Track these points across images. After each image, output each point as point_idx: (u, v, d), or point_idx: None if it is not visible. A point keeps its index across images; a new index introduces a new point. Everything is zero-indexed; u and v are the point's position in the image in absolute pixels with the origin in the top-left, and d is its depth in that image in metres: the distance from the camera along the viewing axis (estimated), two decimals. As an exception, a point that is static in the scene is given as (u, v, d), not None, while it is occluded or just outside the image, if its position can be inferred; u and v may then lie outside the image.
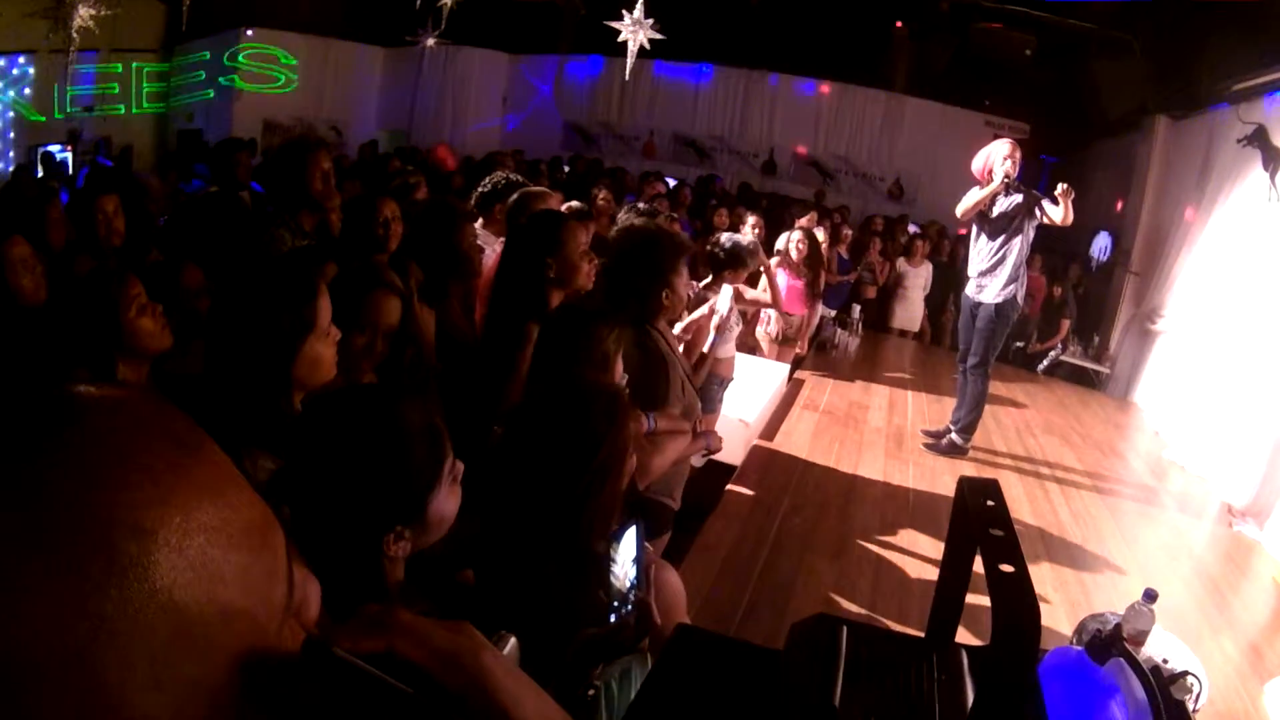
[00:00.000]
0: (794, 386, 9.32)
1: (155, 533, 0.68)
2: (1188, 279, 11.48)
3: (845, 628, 1.85)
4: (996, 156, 7.66)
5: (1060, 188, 7.37)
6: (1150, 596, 3.51)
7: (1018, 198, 7.61)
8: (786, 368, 9.22)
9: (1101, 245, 14.90)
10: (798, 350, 10.10)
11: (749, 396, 7.67)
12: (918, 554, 6.01)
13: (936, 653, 1.80)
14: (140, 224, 5.82)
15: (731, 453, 6.93)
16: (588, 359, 3.47)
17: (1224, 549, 7.47)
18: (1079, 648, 2.06)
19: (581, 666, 2.21)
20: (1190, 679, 3.37)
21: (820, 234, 10.22)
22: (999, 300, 7.80)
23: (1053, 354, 13.15)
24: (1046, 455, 8.84)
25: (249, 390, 2.66)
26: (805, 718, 1.61)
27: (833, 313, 11.89)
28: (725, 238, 6.87)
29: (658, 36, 9.70)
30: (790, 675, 1.78)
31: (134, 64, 18.37)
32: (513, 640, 1.80)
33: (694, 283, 6.44)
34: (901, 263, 13.14)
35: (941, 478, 7.61)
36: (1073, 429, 10.07)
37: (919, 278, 13.11)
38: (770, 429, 8.04)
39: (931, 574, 5.74)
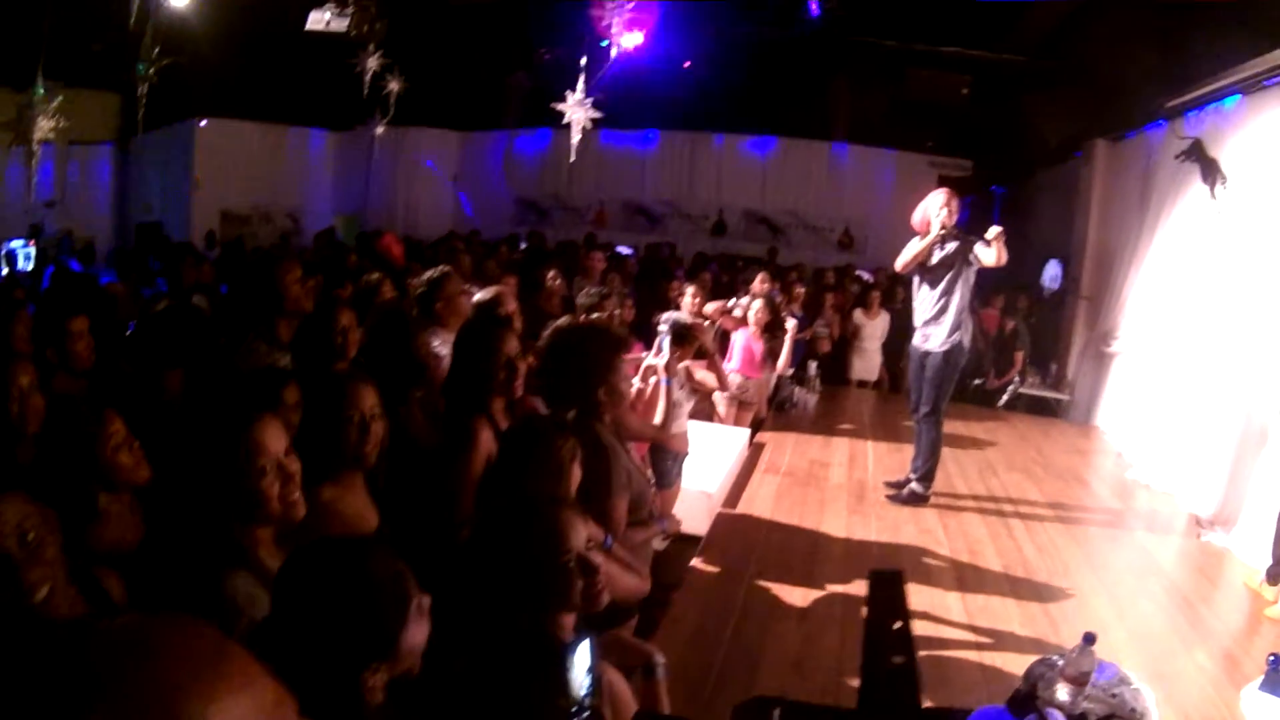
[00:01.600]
0: (755, 450, 9.37)
1: None
2: (1139, 299, 11.64)
3: (778, 708, 2.08)
4: (933, 207, 7.80)
5: (991, 231, 7.52)
6: (1089, 639, 3.64)
7: (954, 245, 7.76)
8: (746, 432, 9.25)
9: (1052, 273, 15.06)
10: (757, 412, 10.12)
11: (710, 465, 7.70)
12: None
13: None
14: (108, 337, 5.82)
15: (696, 523, 7.00)
16: (543, 471, 3.58)
17: (1194, 561, 7.61)
18: (1001, 706, 2.18)
19: None
20: (1133, 713, 3.54)
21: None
22: (945, 348, 7.92)
23: (1011, 387, 13.25)
24: (1009, 492, 8.94)
25: (208, 518, 2.76)
26: None
27: (790, 371, 11.64)
28: (665, 318, 6.90)
29: (598, 115, 9.86)
30: None
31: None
32: None
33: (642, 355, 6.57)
34: (858, 314, 13.24)
35: (904, 528, 7.68)
36: (1034, 462, 10.18)
37: (875, 329, 13.20)
38: (733, 496, 8.07)
39: None
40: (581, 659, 2.51)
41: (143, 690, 0.99)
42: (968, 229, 7.81)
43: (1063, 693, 3.67)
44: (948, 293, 7.88)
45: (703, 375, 7.36)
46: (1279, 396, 7.77)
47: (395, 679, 2.27)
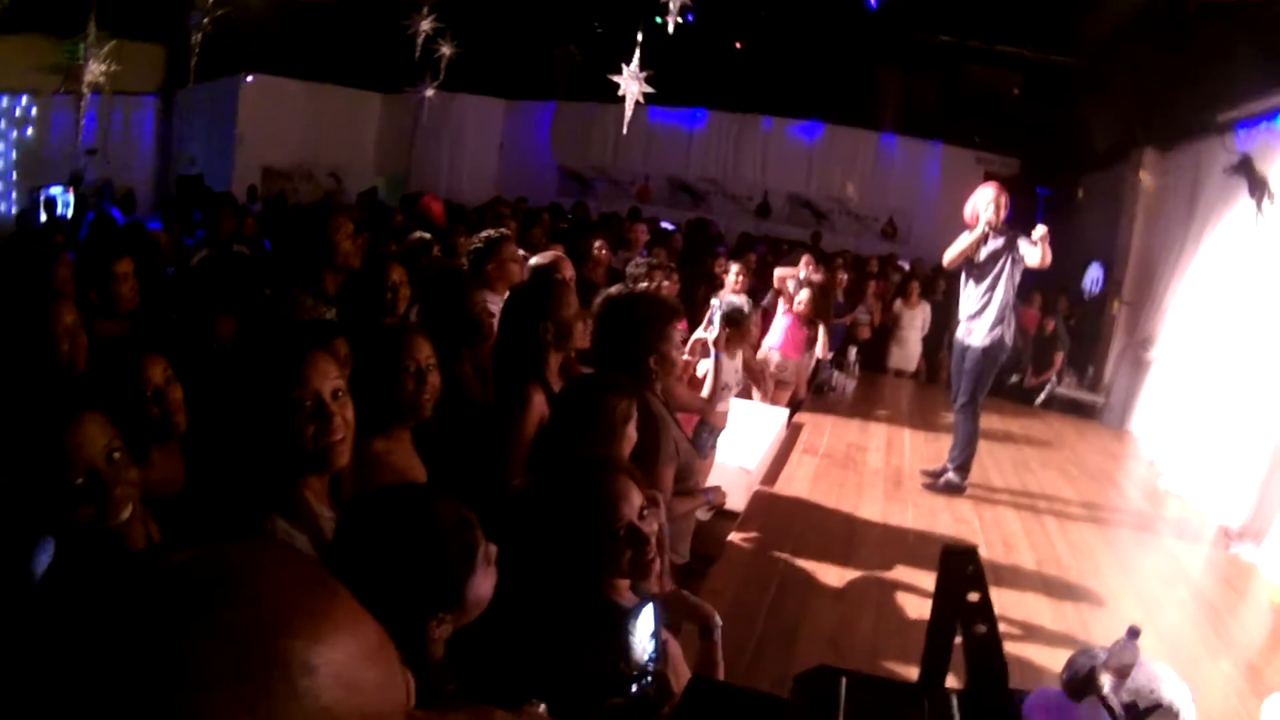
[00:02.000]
0: (793, 431, 9.38)
1: (319, 668, 0.90)
2: (1179, 307, 11.59)
3: (844, 678, 2.02)
4: (981, 202, 7.81)
5: (1037, 231, 7.53)
6: (1134, 633, 3.67)
7: (1001, 241, 7.78)
8: (784, 412, 9.26)
9: (1094, 276, 15.01)
10: (795, 393, 10.20)
11: (749, 443, 7.72)
12: (918, 591, 6.08)
13: (928, 698, 1.97)
14: (151, 282, 5.83)
15: (734, 499, 6.92)
16: (595, 431, 3.59)
17: (1221, 573, 7.57)
18: (1058, 688, 2.22)
19: None
20: (1172, 705, 3.58)
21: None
22: (986, 344, 7.95)
23: (1048, 387, 13.22)
24: (1044, 489, 8.93)
25: (258, 463, 2.72)
26: None
27: (829, 355, 11.69)
28: (722, 298, 6.95)
29: (651, 91, 9.88)
30: None
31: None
32: (542, 707, 2.07)
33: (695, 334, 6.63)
34: (898, 304, 13.28)
35: (940, 516, 7.71)
36: (1069, 461, 10.17)
37: (915, 319, 13.25)
38: (771, 474, 8.11)
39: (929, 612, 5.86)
40: (645, 624, 2.51)
41: (238, 629, 0.87)
42: (1013, 227, 7.81)
43: (1105, 684, 3.72)
44: (991, 289, 7.89)
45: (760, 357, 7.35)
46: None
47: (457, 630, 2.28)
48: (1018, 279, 7.88)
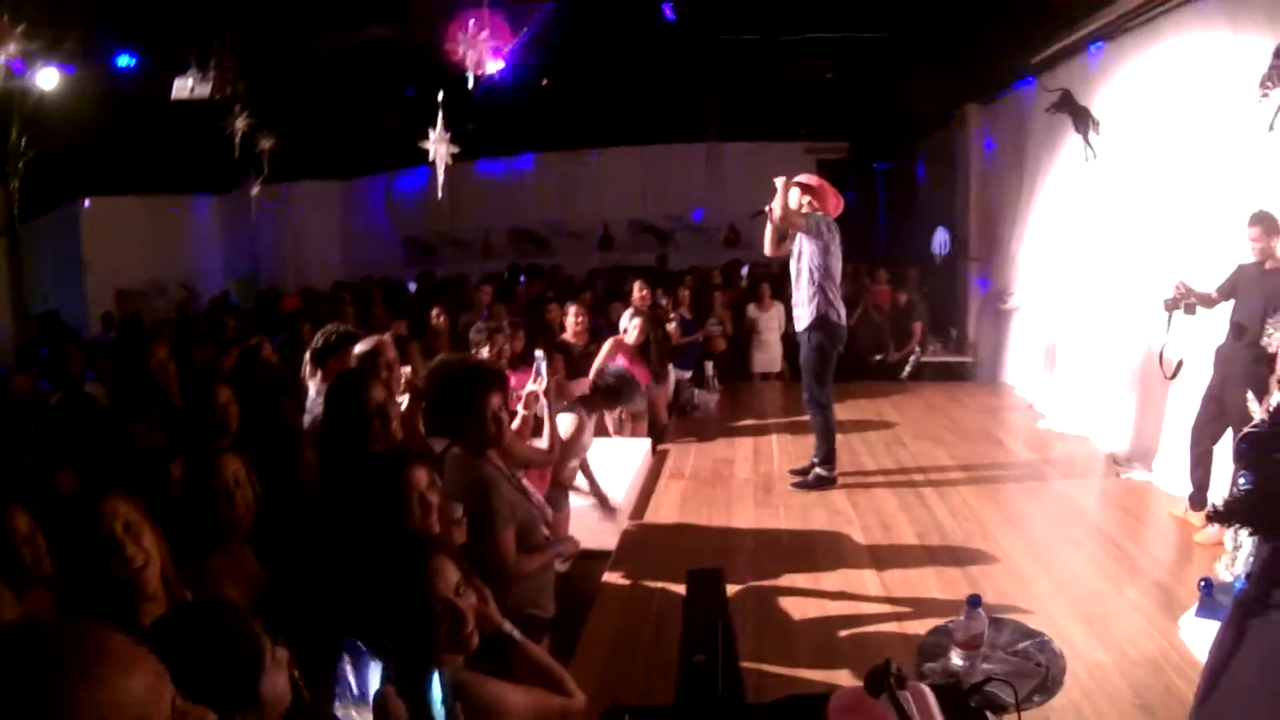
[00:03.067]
0: (658, 459, 9.25)
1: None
2: (1028, 253, 11.76)
3: (627, 715, 2.21)
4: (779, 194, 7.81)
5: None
6: (974, 602, 3.57)
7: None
8: (645, 443, 9.16)
9: (940, 240, 15.14)
10: (658, 420, 10.16)
11: (613, 479, 7.53)
12: (797, 591, 6.02)
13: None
14: (11, 432, 5.96)
15: (604, 538, 6.97)
16: (406, 505, 3.58)
17: (1116, 500, 7.59)
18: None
19: None
20: (1029, 662, 3.58)
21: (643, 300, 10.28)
22: (808, 326, 7.94)
23: (913, 358, 13.25)
24: (918, 461, 8.88)
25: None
26: None
27: (687, 374, 11.84)
28: (610, 371, 7.01)
29: (456, 150, 9.70)
30: None
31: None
32: None
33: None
34: (752, 308, 13.21)
35: (814, 513, 7.57)
36: (943, 427, 10.15)
37: (772, 320, 13.13)
38: (639, 507, 7.94)
39: (814, 609, 5.79)
40: (434, 692, 2.54)
41: (36, 689, 1.29)
42: (856, 208, 7.84)
43: (957, 659, 3.54)
44: (798, 273, 7.97)
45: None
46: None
47: None
48: (817, 258, 7.82)
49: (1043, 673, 3.56)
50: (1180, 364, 7.26)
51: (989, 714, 2.23)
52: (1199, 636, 4.83)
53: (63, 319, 17.25)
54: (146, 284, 19.12)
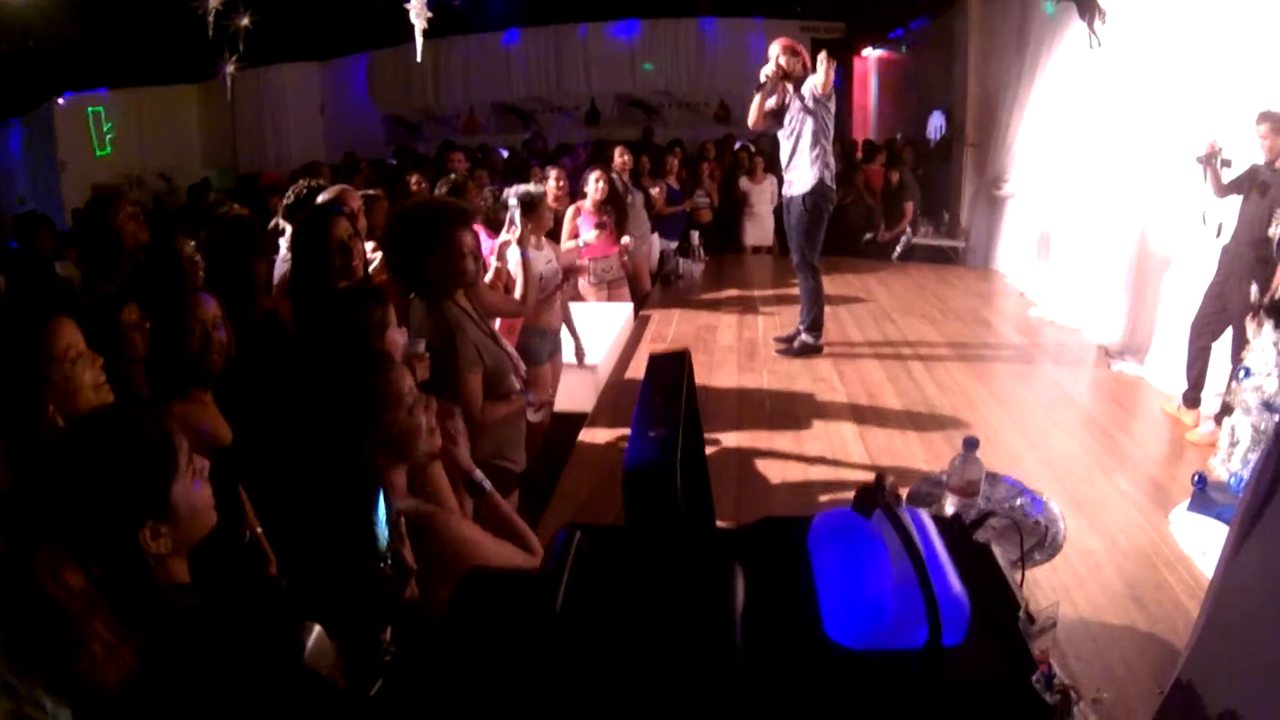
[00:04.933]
0: (640, 324, 9.14)
1: None
2: (1025, 141, 11.54)
3: (579, 532, 1.84)
4: (770, 58, 7.79)
5: (820, 55, 7.53)
6: (970, 444, 3.32)
7: (792, 89, 7.73)
8: (628, 307, 9.02)
9: (936, 124, 15.02)
10: (641, 288, 10.06)
11: (592, 342, 7.50)
12: (778, 454, 5.93)
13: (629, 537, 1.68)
14: None
15: (583, 400, 6.98)
16: (362, 339, 3.59)
17: (1107, 391, 7.42)
18: (846, 508, 1.82)
19: (370, 635, 2.33)
20: (1026, 518, 3.38)
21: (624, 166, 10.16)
22: (803, 190, 7.80)
23: (904, 239, 13.17)
24: (906, 336, 8.73)
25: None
26: (530, 630, 1.64)
27: (673, 244, 11.84)
28: (510, 191, 6.64)
29: (430, 15, 9.40)
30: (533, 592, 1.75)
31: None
32: (317, 628, 2.11)
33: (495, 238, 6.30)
34: (744, 181, 13.18)
35: (798, 379, 7.47)
36: (932, 306, 10.00)
37: (764, 194, 13.09)
38: (619, 370, 7.86)
39: (795, 471, 5.72)
40: (379, 509, 2.52)
41: None
42: (850, 90, 7.70)
43: (951, 506, 3.33)
44: (795, 137, 7.81)
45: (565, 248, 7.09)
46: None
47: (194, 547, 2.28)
48: (822, 121, 7.72)
49: (1042, 531, 3.36)
50: (1221, 225, 6.96)
51: (995, 550, 1.96)
52: (1190, 532, 4.75)
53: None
54: (123, 178, 18.67)
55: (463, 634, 1.87)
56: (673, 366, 1.75)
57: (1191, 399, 6.59)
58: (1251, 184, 6.38)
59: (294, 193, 6.35)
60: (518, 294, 5.74)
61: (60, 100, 18.36)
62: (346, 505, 2.53)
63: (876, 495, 1.64)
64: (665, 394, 1.64)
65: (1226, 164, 6.65)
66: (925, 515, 1.98)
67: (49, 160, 18.43)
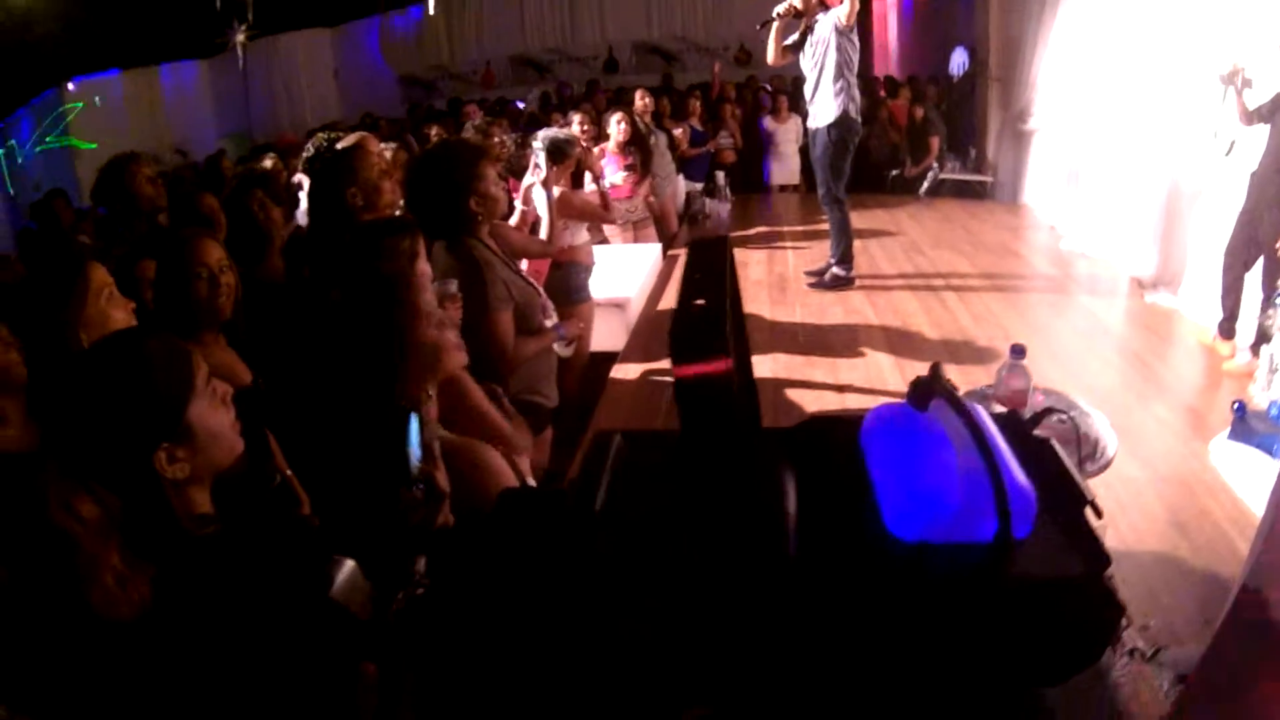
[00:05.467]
0: (668, 264, 9.10)
1: None
2: (1049, 74, 11.44)
3: (619, 436, 1.72)
4: None
5: None
6: (1018, 352, 3.23)
7: (815, 22, 7.74)
8: (656, 247, 9.03)
9: (959, 60, 14.93)
10: (668, 228, 10.10)
11: (621, 281, 7.54)
12: (815, 385, 5.93)
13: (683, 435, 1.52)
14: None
15: (614, 338, 6.98)
16: (384, 268, 3.41)
17: (1142, 321, 7.38)
18: (900, 402, 1.71)
19: (401, 564, 2.25)
20: (1076, 424, 3.27)
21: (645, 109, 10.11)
22: (829, 121, 7.79)
23: (931, 174, 13.10)
24: (938, 268, 8.69)
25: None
26: (569, 531, 1.56)
27: (698, 185, 11.78)
28: (540, 134, 6.59)
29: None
30: (569, 498, 1.64)
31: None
32: (350, 563, 2.01)
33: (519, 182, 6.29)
34: (769, 120, 13.23)
35: (830, 310, 7.48)
36: (963, 239, 9.94)
37: (789, 132, 13.12)
38: (649, 308, 7.87)
39: (832, 400, 5.70)
40: (411, 432, 2.46)
41: None
42: (871, 26, 7.66)
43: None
44: (818, 68, 7.79)
45: (583, 197, 7.01)
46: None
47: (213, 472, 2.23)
48: (846, 53, 7.71)
49: (1092, 443, 3.28)
50: (1234, 143, 6.92)
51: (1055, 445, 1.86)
52: (1231, 460, 4.71)
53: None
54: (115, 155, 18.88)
55: (492, 545, 1.75)
56: (714, 250, 1.66)
57: (1227, 329, 6.50)
58: (1277, 109, 6.26)
59: (313, 145, 6.36)
60: (543, 234, 5.73)
61: (70, 85, 18.55)
62: (377, 429, 2.49)
63: (934, 385, 1.55)
64: (708, 271, 1.55)
65: (1248, 84, 6.54)
66: (982, 409, 1.89)
67: (62, 149, 18.63)
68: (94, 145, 18.88)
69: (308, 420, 2.66)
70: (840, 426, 1.83)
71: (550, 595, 1.47)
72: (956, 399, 1.50)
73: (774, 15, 7.73)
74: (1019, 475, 1.56)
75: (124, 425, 2.06)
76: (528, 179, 5.99)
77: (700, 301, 1.38)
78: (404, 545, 2.29)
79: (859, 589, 1.43)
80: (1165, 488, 4.59)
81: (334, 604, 1.99)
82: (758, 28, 8.00)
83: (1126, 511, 4.30)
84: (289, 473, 2.63)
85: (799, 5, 7.63)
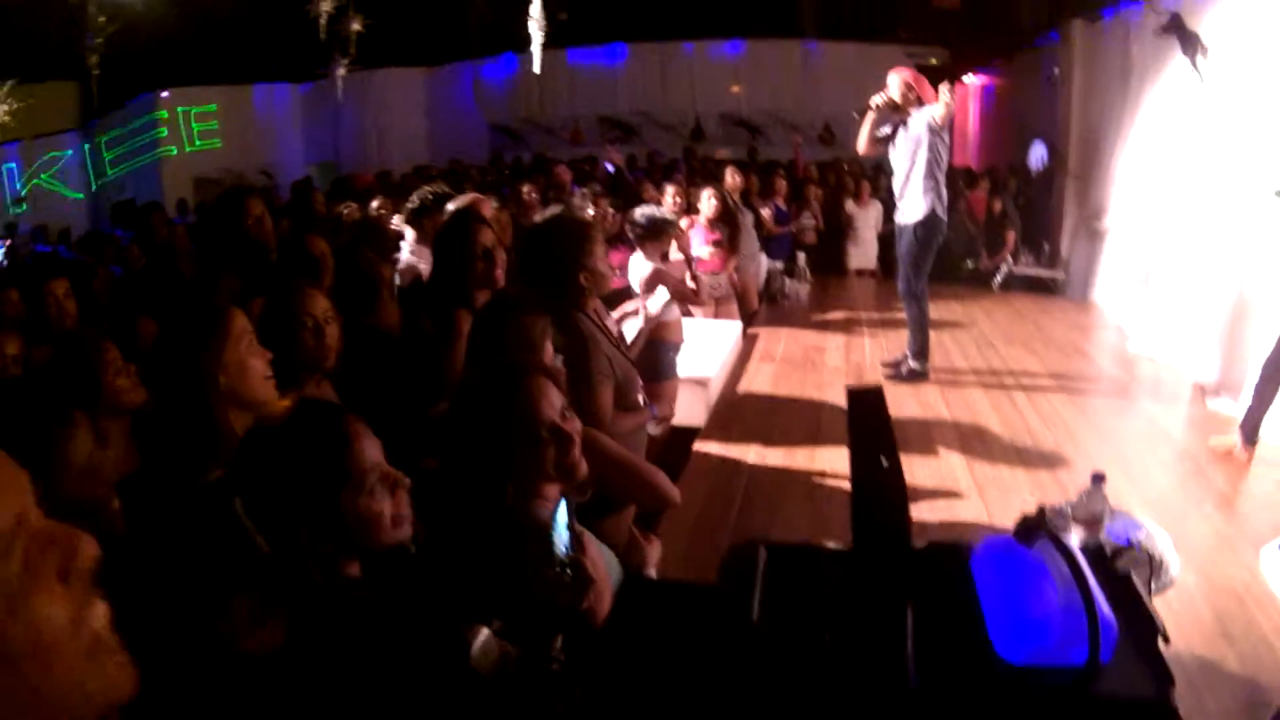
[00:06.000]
0: (749, 342, 9.25)
1: None
2: (1127, 175, 11.51)
3: (763, 548, 1.90)
4: (889, 85, 7.96)
5: (941, 87, 7.72)
6: (1098, 479, 3.48)
7: (909, 117, 7.88)
8: (737, 324, 9.10)
9: (1038, 154, 14.81)
10: (748, 306, 10.11)
11: (703, 357, 7.61)
12: None
13: (856, 561, 1.82)
14: (89, 305, 5.73)
15: (694, 414, 6.99)
16: (516, 347, 3.49)
17: (1201, 429, 7.39)
18: (1008, 535, 2.01)
19: (540, 640, 2.21)
20: (1143, 552, 3.40)
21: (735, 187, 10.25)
22: (917, 219, 7.95)
23: (1004, 267, 13.20)
24: (1009, 365, 8.83)
25: (186, 412, 2.90)
26: (729, 641, 1.67)
27: (779, 264, 11.91)
28: (640, 212, 6.87)
29: (546, 30, 9.68)
30: (717, 603, 1.84)
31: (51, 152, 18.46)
32: (486, 631, 2.00)
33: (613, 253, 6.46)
34: (850, 204, 13.36)
35: (906, 404, 7.57)
36: (1033, 336, 10.07)
37: (869, 217, 13.32)
38: (730, 386, 7.99)
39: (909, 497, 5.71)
40: (560, 518, 2.51)
41: None
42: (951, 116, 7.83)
43: (1075, 538, 3.49)
44: (910, 164, 7.94)
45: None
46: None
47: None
48: (937, 151, 7.89)
49: (1157, 564, 3.52)
50: None
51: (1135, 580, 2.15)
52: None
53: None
54: (224, 172, 19.11)
55: (635, 640, 1.93)
56: (873, 399, 1.92)
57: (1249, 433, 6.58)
58: None
59: (419, 198, 6.52)
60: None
61: (164, 94, 18.93)
62: (515, 520, 2.53)
63: (1040, 524, 1.87)
64: (875, 424, 1.82)
65: None
66: (1077, 547, 2.16)
67: (150, 151, 19.12)
68: (198, 145, 19.39)
69: (437, 495, 2.61)
70: (954, 553, 2.13)
71: (713, 699, 1.62)
72: (1060, 541, 1.83)
73: (871, 105, 7.91)
74: (1105, 608, 1.88)
75: (280, 512, 2.12)
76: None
77: (882, 460, 1.68)
78: (546, 623, 2.27)
79: (972, 705, 1.72)
80: (1216, 595, 4.67)
81: (471, 670, 2.03)
82: (854, 114, 8.18)
83: (1179, 619, 4.34)
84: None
85: (897, 99, 7.83)
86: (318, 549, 2.15)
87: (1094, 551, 2.32)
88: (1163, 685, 1.72)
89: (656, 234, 6.68)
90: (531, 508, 2.57)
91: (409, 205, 6.59)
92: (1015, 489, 5.95)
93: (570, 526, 2.53)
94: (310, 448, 2.19)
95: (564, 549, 2.44)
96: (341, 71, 13.70)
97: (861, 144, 8.19)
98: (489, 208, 6.42)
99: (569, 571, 2.38)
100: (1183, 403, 8.14)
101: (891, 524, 1.63)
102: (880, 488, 1.67)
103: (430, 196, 6.52)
